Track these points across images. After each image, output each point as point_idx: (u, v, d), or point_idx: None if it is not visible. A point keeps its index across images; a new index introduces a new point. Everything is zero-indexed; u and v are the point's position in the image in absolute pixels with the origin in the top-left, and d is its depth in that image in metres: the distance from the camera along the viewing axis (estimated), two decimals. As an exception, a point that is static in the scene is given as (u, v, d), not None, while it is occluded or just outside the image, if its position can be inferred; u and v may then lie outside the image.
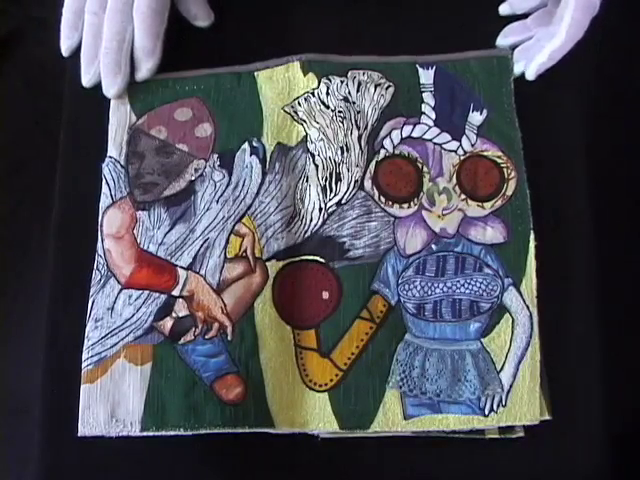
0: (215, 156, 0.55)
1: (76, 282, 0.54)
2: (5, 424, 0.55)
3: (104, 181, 0.55)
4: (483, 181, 0.55)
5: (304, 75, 0.57)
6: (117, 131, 0.57)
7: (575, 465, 0.51)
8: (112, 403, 0.50)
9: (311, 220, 0.54)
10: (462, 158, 0.55)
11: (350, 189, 0.54)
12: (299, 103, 0.56)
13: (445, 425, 0.50)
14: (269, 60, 0.57)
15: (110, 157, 0.56)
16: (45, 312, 0.54)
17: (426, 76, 0.57)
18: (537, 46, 0.56)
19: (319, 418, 0.50)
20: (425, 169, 0.55)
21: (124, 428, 0.50)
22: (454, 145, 0.55)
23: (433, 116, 0.56)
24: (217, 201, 0.54)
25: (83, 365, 0.51)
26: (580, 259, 0.54)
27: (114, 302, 0.52)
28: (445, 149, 0.55)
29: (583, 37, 0.55)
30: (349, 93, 0.56)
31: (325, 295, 0.52)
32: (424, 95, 0.56)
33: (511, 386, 0.50)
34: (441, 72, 0.57)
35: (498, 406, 0.50)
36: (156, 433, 0.49)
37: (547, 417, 0.50)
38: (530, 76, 0.56)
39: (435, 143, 0.56)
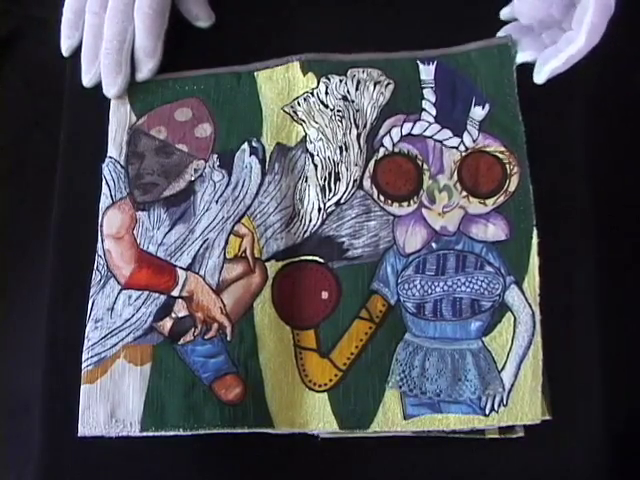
0: (215, 156, 0.55)
1: (76, 282, 0.54)
2: (5, 424, 0.55)
3: (104, 181, 0.55)
4: (485, 177, 0.54)
5: (304, 75, 0.56)
6: (117, 131, 0.57)
7: (575, 465, 0.51)
8: (112, 403, 0.50)
9: (310, 220, 0.54)
10: (464, 154, 0.55)
11: (349, 189, 0.54)
12: (298, 103, 0.56)
13: (445, 425, 0.50)
14: (269, 60, 0.57)
15: (110, 157, 0.56)
16: (45, 312, 0.54)
17: (427, 72, 0.56)
18: (553, 50, 0.55)
19: (319, 418, 0.50)
20: (425, 166, 0.54)
21: (124, 428, 0.50)
22: (455, 141, 0.55)
23: (434, 112, 0.55)
24: (216, 201, 0.54)
25: (83, 365, 0.51)
26: (581, 259, 0.54)
27: (114, 302, 0.52)
28: (446, 146, 0.55)
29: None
30: (348, 92, 0.56)
31: (324, 295, 0.52)
32: (424, 91, 0.56)
33: (512, 385, 0.50)
34: (442, 67, 0.56)
35: (499, 406, 0.50)
36: (155, 433, 0.49)
37: (547, 417, 0.50)
38: (540, 80, 0.55)
39: (436, 140, 0.55)
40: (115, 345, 0.51)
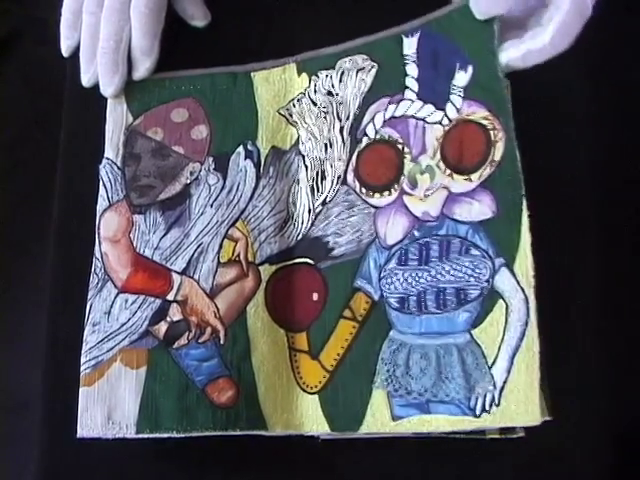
0: (210, 159, 0.55)
1: (76, 283, 0.54)
2: (5, 424, 0.56)
3: (101, 183, 0.55)
4: (469, 149, 0.50)
5: (298, 76, 0.56)
6: (114, 132, 0.56)
7: (575, 465, 0.51)
8: (109, 406, 0.51)
9: (302, 223, 0.53)
10: (447, 129, 0.51)
11: (333, 185, 0.53)
12: (293, 105, 0.56)
13: (435, 427, 0.47)
14: (266, 61, 0.57)
15: (107, 159, 0.56)
16: (45, 312, 0.54)
17: (409, 45, 0.53)
18: (515, 41, 0.50)
19: (312, 420, 0.50)
20: (406, 150, 0.52)
21: (120, 430, 0.50)
22: (438, 116, 0.51)
23: (416, 88, 0.52)
24: (211, 205, 0.54)
25: (81, 369, 0.51)
26: (581, 256, 0.53)
27: (111, 306, 0.52)
28: (428, 122, 0.52)
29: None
30: (332, 86, 0.55)
31: (315, 297, 0.52)
32: (407, 67, 0.53)
33: (505, 382, 0.46)
34: (425, 36, 0.53)
35: (491, 405, 0.46)
36: (150, 435, 0.50)
37: (547, 417, 0.47)
38: None
39: (417, 118, 0.52)
40: (112, 349, 0.52)
